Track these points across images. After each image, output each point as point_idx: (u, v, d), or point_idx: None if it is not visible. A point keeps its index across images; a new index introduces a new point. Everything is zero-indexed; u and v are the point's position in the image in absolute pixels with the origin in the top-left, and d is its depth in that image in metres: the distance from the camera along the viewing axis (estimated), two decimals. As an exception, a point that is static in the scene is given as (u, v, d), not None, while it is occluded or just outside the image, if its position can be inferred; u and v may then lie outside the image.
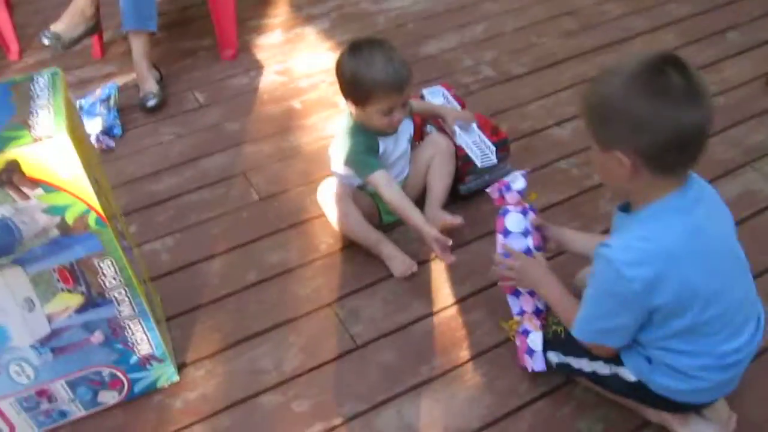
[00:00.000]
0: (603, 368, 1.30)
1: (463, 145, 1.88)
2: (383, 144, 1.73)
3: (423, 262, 1.78)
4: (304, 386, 1.52)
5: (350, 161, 1.73)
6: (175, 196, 2.09)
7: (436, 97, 2.05)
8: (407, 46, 2.77)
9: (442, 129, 1.93)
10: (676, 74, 1.04)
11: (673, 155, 1.07)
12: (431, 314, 1.66)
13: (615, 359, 1.27)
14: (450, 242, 1.61)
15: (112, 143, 2.33)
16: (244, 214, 2.01)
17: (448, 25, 2.91)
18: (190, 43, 2.92)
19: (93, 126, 2.34)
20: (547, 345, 1.42)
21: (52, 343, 1.34)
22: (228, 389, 1.52)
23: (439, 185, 1.83)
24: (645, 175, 1.09)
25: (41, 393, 1.40)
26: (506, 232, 1.48)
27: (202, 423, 1.46)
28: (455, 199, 1.92)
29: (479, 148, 1.88)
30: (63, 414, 1.46)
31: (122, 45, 2.81)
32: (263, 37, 2.94)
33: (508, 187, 1.50)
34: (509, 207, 1.50)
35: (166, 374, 1.52)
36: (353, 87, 1.65)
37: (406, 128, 1.80)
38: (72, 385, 1.42)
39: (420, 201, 1.86)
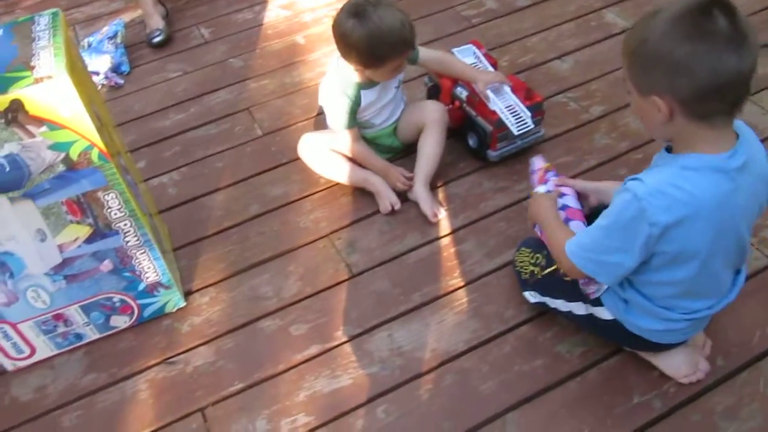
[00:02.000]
0: (579, 308, 1.36)
1: (498, 111, 1.80)
2: (368, 96, 1.77)
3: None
4: (301, 312, 1.61)
5: (331, 114, 1.80)
6: (181, 132, 2.16)
7: (467, 56, 1.96)
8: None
9: (473, 91, 1.85)
10: (722, 18, 0.99)
11: (711, 103, 1.03)
12: (424, 245, 1.73)
13: (592, 300, 1.33)
14: (411, 176, 1.78)
15: (120, 81, 2.39)
16: (247, 149, 2.07)
17: (453, -44, 2.87)
18: (195, -22, 2.93)
19: (102, 63, 2.39)
20: (524, 284, 1.49)
21: (65, 271, 1.44)
22: (231, 314, 1.62)
23: (427, 158, 1.82)
24: (682, 122, 1.06)
25: (57, 317, 1.51)
26: None
27: (207, 345, 1.56)
28: (483, 163, 1.91)
29: (514, 114, 1.80)
30: (79, 336, 1.57)
31: (128, -20, 2.83)
32: (268, -29, 2.93)
33: (533, 171, 1.58)
34: (536, 186, 1.54)
35: (173, 300, 1.62)
36: (367, 53, 1.64)
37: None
38: (86, 310, 1.52)
39: (408, 150, 1.93)
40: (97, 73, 2.37)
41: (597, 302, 1.33)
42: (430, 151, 1.82)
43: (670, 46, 1.02)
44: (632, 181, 1.11)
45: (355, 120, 1.80)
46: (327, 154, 1.85)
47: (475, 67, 1.91)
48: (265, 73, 2.36)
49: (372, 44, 1.62)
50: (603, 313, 1.34)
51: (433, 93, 2.03)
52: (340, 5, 1.69)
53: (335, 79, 1.76)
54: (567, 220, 1.40)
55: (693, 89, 1.02)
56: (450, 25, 2.48)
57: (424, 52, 1.85)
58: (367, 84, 1.76)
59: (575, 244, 1.21)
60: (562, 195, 1.48)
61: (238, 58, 2.45)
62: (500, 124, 1.81)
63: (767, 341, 1.45)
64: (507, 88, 1.84)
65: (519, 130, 1.80)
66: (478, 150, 1.91)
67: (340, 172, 1.84)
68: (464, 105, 1.90)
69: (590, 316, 1.37)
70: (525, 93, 1.85)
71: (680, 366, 1.38)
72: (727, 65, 0.99)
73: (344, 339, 1.54)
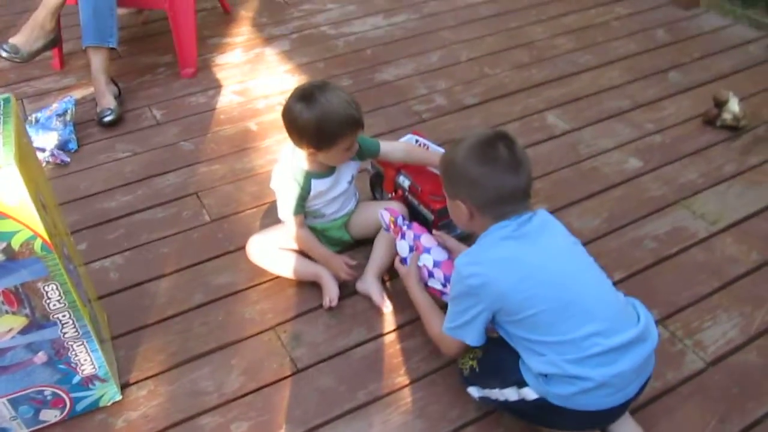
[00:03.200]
0: (512, 394, 1.39)
1: None
2: (318, 185, 1.79)
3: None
4: (244, 408, 1.56)
5: (280, 199, 1.81)
6: (126, 215, 2.13)
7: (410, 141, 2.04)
8: (364, 71, 2.86)
9: (415, 180, 1.92)
10: (503, 147, 1.36)
11: (498, 207, 1.38)
12: (370, 340, 1.72)
13: (519, 382, 1.36)
14: (354, 264, 1.81)
15: (66, 158, 2.35)
16: (194, 235, 2.05)
17: (405, 53, 3.00)
18: (150, 59, 2.96)
19: (48, 140, 2.36)
20: (466, 381, 1.51)
21: (-5, 363, 1.37)
22: (169, 409, 1.56)
23: (382, 253, 1.85)
24: (479, 218, 1.41)
25: (-18, 411, 1.42)
26: (403, 260, 1.71)
27: (142, 443, 1.50)
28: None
29: None
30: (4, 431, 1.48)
31: (82, 57, 2.83)
32: (223, 56, 2.99)
33: (387, 229, 1.78)
34: (397, 241, 1.74)
35: (108, 393, 1.55)
36: (317, 135, 1.67)
37: (348, 171, 1.85)
38: (14, 403, 1.44)
39: (362, 242, 1.95)
40: (43, 150, 2.34)
41: (523, 382, 1.37)
42: (385, 248, 1.85)
43: (467, 167, 1.38)
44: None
45: (302, 208, 1.81)
46: (276, 253, 1.85)
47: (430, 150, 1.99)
48: (216, 158, 2.37)
49: (321, 126, 1.65)
50: (530, 394, 1.37)
51: (376, 181, 2.07)
52: None
53: (287, 166, 1.79)
54: (446, 278, 1.61)
55: (484, 199, 1.38)
56: (401, 119, 2.56)
57: (385, 145, 1.90)
58: (319, 174, 1.79)
59: (444, 322, 1.46)
60: (426, 249, 1.66)
61: (189, 141, 2.46)
62: (441, 214, 1.86)
63: (704, 446, 1.48)
64: None
65: None
66: None
67: (291, 269, 1.84)
68: (406, 193, 1.96)
69: (522, 401, 1.39)
70: None
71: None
72: (508, 183, 1.36)
73: (286, 438, 1.50)
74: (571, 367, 1.29)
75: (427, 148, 2.01)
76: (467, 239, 1.73)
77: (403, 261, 1.71)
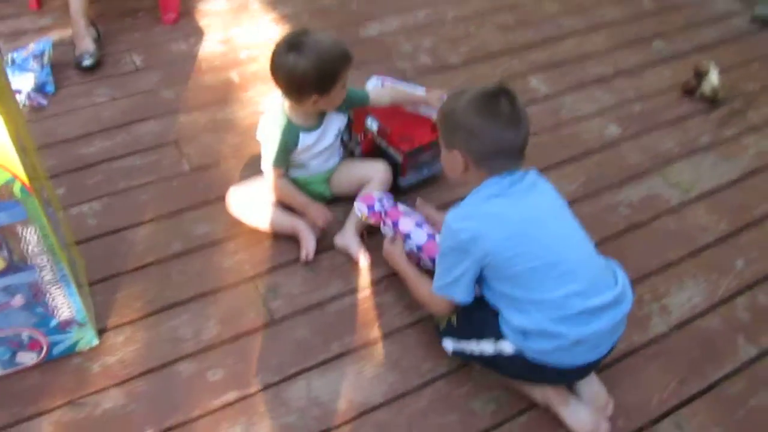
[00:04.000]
0: (488, 347, 1.44)
1: None
2: (306, 139, 1.80)
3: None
4: (220, 356, 1.59)
5: (265, 149, 1.81)
6: (105, 160, 2.11)
7: (376, 86, 2.07)
8: (349, 26, 2.83)
9: (384, 123, 1.95)
10: (505, 102, 1.37)
11: (494, 160, 1.40)
12: (346, 294, 1.75)
13: (497, 335, 1.41)
14: (328, 217, 1.81)
15: (44, 101, 2.32)
16: (173, 184, 2.04)
17: (391, 8, 2.97)
18: (131, 3, 2.90)
19: (24, 82, 2.32)
20: (442, 334, 1.54)
21: (-28, 303, 1.37)
22: (146, 355, 1.58)
23: None
24: (473, 170, 1.42)
25: (-42, 351, 1.43)
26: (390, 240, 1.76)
27: (118, 387, 1.52)
28: (396, 192, 1.96)
29: None
30: (-20, 371, 1.50)
31: (60, -3, 2.77)
32: (207, 3, 2.94)
33: (368, 216, 1.80)
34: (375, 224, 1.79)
35: (85, 338, 1.57)
36: (319, 78, 1.66)
37: (335, 124, 1.86)
38: (-10, 345, 1.46)
39: (342, 199, 1.96)
40: (20, 92, 2.29)
41: (500, 335, 1.41)
42: None
43: (467, 118, 1.38)
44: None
45: (286, 160, 1.82)
46: (255, 205, 1.86)
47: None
48: (197, 107, 2.34)
49: (320, 67, 1.66)
50: (507, 348, 1.41)
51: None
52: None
53: (275, 119, 1.78)
54: (432, 258, 1.64)
55: (481, 150, 1.39)
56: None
57: (372, 93, 1.92)
58: (308, 127, 1.79)
59: (434, 281, 1.49)
60: (406, 235, 1.71)
61: (169, 89, 2.43)
62: (410, 155, 1.91)
63: (664, 405, 1.55)
64: None
65: None
66: None
67: (269, 221, 1.84)
68: (375, 136, 1.98)
69: (498, 354, 1.43)
70: (433, 127, 1.94)
71: (584, 421, 1.47)
72: (506, 137, 1.38)
73: (262, 386, 1.53)
74: (551, 325, 1.34)
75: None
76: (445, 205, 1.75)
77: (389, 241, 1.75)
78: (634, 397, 1.55)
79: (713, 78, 2.47)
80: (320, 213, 1.81)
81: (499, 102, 1.37)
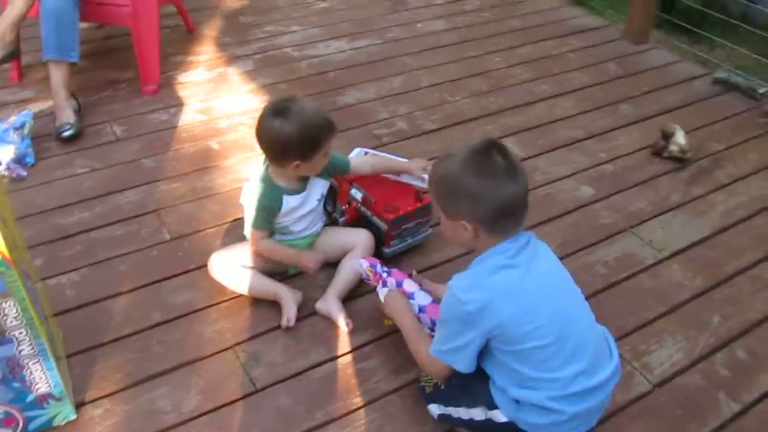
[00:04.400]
0: (479, 414, 1.43)
1: None
2: (289, 201, 1.82)
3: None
4: (201, 428, 1.56)
5: (248, 214, 1.83)
6: (84, 231, 2.11)
7: (359, 156, 2.13)
8: (327, 94, 2.91)
9: (368, 192, 1.98)
10: (498, 155, 1.32)
11: (504, 220, 1.34)
12: (329, 360, 1.74)
13: (489, 404, 1.41)
14: (319, 259, 1.83)
15: (23, 172, 2.32)
16: (153, 253, 2.04)
17: (368, 77, 3.06)
18: (111, 74, 2.95)
19: (4, 153, 2.33)
20: (428, 398, 1.54)
21: (-53, 380, 1.35)
22: (125, 429, 1.55)
23: (346, 276, 1.88)
24: (483, 236, 1.36)
25: (-70, 430, 1.39)
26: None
27: (96, 463, 1.48)
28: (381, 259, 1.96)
29: None
30: (-48, 451, 1.45)
31: (41, 70, 2.81)
32: (186, 74, 3.00)
33: (367, 279, 1.79)
34: (378, 288, 1.75)
35: (63, 412, 1.53)
36: (301, 144, 1.71)
37: (318, 189, 1.90)
38: (-36, 423, 1.42)
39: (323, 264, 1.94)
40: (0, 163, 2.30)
41: (493, 404, 1.41)
42: (349, 271, 1.88)
43: (465, 183, 1.32)
44: (449, 281, 1.38)
45: (269, 223, 1.84)
46: (237, 270, 1.86)
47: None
48: (177, 176, 2.37)
49: (303, 134, 1.70)
50: (499, 416, 1.41)
51: (329, 194, 2.10)
52: (255, 113, 1.76)
53: (260, 181, 1.81)
54: (433, 321, 1.59)
55: (487, 212, 1.32)
56: (362, 142, 2.57)
57: (354, 160, 1.97)
58: (292, 190, 1.82)
59: (433, 345, 1.44)
60: (410, 295, 1.68)
61: (149, 158, 2.45)
62: (394, 223, 1.94)
63: (650, 466, 1.54)
64: None
65: None
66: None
67: (251, 287, 1.85)
68: (359, 205, 2.02)
69: (489, 421, 1.43)
70: (416, 196, 2.01)
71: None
72: (510, 191, 1.32)
73: (244, 458, 1.51)
74: (550, 402, 1.33)
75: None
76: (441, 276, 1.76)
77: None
78: (621, 458, 1.55)
79: (680, 138, 2.56)
80: (312, 257, 1.84)
81: (492, 156, 1.32)
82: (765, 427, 1.64)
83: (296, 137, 1.70)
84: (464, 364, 1.39)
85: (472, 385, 1.43)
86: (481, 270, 1.36)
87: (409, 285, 1.72)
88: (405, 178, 2.04)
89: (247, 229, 1.85)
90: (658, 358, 1.79)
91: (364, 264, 1.78)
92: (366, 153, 2.14)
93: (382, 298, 1.71)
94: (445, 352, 1.41)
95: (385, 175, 2.08)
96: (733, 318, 1.92)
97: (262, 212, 1.80)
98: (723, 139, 2.75)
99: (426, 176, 2.00)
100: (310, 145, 1.73)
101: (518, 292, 1.33)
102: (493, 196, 1.31)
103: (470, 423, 1.46)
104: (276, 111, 1.72)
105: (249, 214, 1.83)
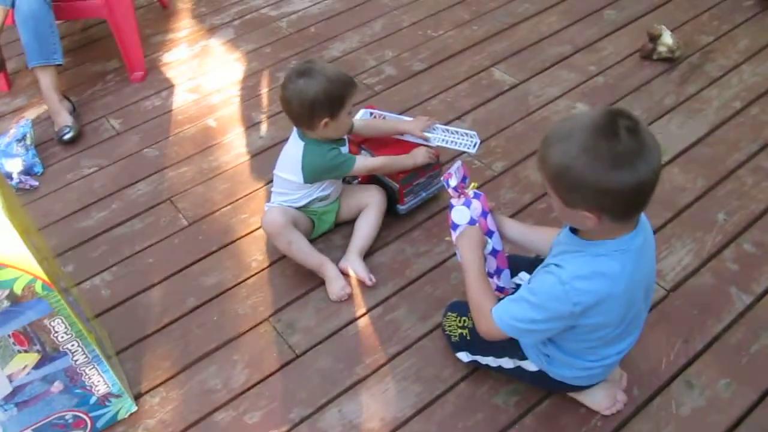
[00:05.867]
0: (508, 363, 1.52)
1: (445, 146, 2.06)
2: (344, 150, 1.91)
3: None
4: (253, 399, 1.68)
5: (328, 169, 1.88)
6: (106, 230, 2.18)
7: (365, 117, 2.16)
8: (312, 50, 2.91)
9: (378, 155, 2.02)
10: (626, 134, 1.10)
11: (633, 206, 1.19)
12: (360, 317, 1.84)
13: (519, 356, 1.49)
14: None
15: (35, 182, 2.38)
16: (175, 241, 2.12)
17: (349, 25, 3.05)
18: (97, 67, 2.96)
19: (13, 166, 2.38)
20: (455, 347, 1.63)
21: (16, 398, 1.46)
22: (183, 412, 1.67)
23: (364, 233, 1.96)
24: (607, 223, 1.19)
25: (10, 443, 1.52)
26: (454, 226, 1.55)
27: (164, 446, 1.61)
28: (395, 217, 2.06)
29: (461, 138, 2.06)
30: (32, 458, 1.58)
31: (28, 75, 2.83)
32: (170, 54, 3.00)
33: (447, 184, 1.55)
34: (453, 201, 1.56)
35: (124, 406, 1.65)
36: (329, 99, 1.77)
37: None
38: None
39: (340, 224, 2.05)
40: (10, 177, 2.36)
41: (523, 356, 1.49)
42: (366, 228, 1.96)
43: (590, 173, 1.12)
44: (555, 267, 1.25)
45: (346, 152, 1.92)
46: (290, 229, 1.88)
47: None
48: (182, 161, 2.42)
49: (330, 89, 1.78)
50: (529, 366, 1.50)
51: None
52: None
53: (315, 147, 1.85)
54: (498, 270, 1.55)
55: (618, 202, 1.16)
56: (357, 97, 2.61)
57: (357, 122, 2.02)
58: (340, 143, 1.90)
59: (504, 312, 1.32)
60: (489, 233, 1.53)
61: (152, 147, 2.50)
62: (405, 181, 1.98)
63: (673, 367, 1.64)
64: (437, 124, 2.09)
65: (476, 149, 2.04)
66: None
67: (300, 250, 1.89)
68: None
69: (518, 368, 1.53)
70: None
71: (601, 400, 1.55)
72: (645, 176, 1.12)
73: (297, 420, 1.62)
74: (587, 367, 1.41)
75: (384, 117, 2.16)
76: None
77: (453, 227, 1.54)
78: (645, 365, 1.65)
79: (667, 38, 2.56)
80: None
81: (618, 135, 1.10)
82: (777, 313, 1.73)
83: (323, 93, 1.77)
84: (529, 341, 1.41)
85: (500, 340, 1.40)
86: (602, 261, 1.23)
87: (491, 223, 1.55)
88: (408, 138, 2.07)
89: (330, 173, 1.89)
90: (669, 264, 1.87)
91: (460, 171, 1.54)
92: (371, 114, 2.16)
93: (453, 216, 1.53)
94: (517, 328, 1.31)
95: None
96: (738, 212, 1.99)
97: (339, 156, 1.86)
98: (710, 30, 2.74)
99: (427, 135, 2.05)
100: (337, 101, 1.79)
101: (630, 288, 1.25)
102: (623, 189, 1.13)
103: (499, 369, 1.56)
104: (299, 72, 1.79)
105: (321, 168, 1.86)
